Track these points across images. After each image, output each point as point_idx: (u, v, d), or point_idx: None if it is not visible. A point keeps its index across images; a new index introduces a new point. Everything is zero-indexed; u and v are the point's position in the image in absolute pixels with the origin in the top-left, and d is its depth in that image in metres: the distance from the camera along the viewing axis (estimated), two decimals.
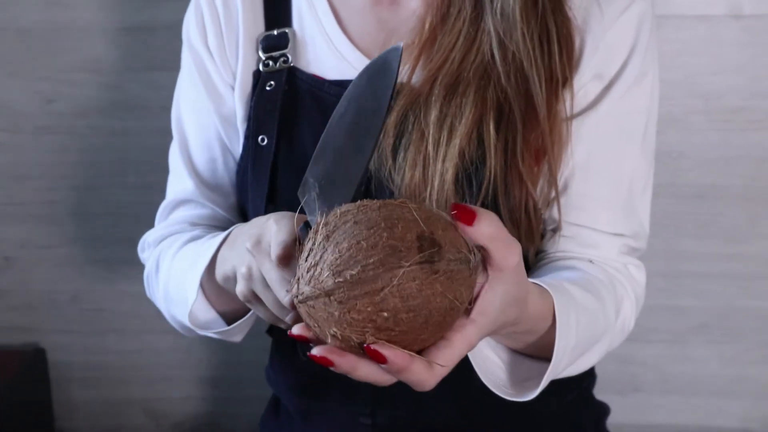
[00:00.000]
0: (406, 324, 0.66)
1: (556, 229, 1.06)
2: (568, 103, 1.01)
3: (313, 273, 0.67)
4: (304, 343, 0.71)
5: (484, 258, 0.72)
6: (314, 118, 1.07)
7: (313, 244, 0.69)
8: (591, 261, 1.05)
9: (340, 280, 0.65)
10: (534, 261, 1.09)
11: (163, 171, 1.21)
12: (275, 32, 1.11)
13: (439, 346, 0.71)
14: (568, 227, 1.05)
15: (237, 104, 1.12)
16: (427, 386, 0.71)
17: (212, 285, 1.01)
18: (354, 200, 0.72)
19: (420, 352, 0.70)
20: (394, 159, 1.00)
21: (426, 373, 0.70)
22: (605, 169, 1.05)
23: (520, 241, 1.01)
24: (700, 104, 1.66)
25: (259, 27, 1.12)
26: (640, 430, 1.86)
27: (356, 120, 0.78)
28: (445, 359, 0.71)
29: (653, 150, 1.09)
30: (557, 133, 1.01)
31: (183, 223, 1.18)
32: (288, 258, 0.77)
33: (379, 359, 0.67)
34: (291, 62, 1.09)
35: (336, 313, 0.66)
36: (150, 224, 1.21)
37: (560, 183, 1.04)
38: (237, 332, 1.08)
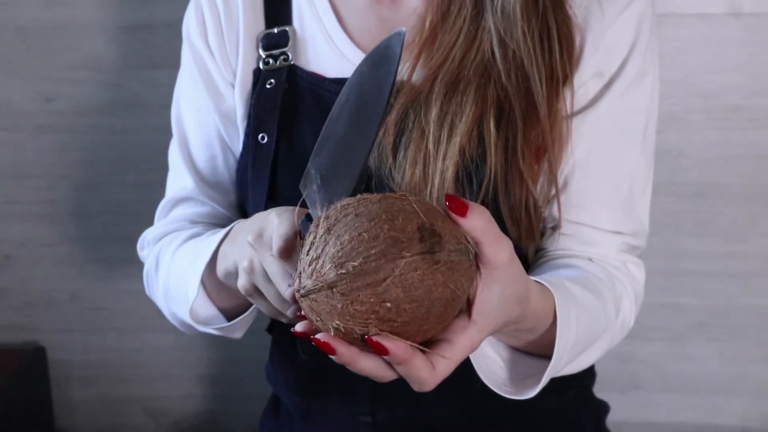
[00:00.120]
0: (409, 314, 0.66)
1: (555, 227, 1.06)
2: (568, 101, 1.01)
3: (315, 266, 0.67)
4: (306, 341, 0.71)
5: (476, 256, 0.72)
6: (314, 116, 1.07)
7: (314, 237, 0.69)
8: (590, 259, 1.05)
9: (343, 271, 0.66)
10: (534, 259, 1.09)
11: (163, 169, 1.21)
12: (275, 30, 1.11)
13: (441, 348, 0.71)
14: (567, 225, 1.06)
15: (237, 102, 1.12)
16: (428, 386, 0.71)
17: (213, 281, 1.01)
18: (355, 193, 0.72)
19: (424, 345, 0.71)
20: (395, 157, 1.00)
21: (427, 371, 0.70)
22: (605, 167, 1.05)
23: (520, 239, 1.01)
24: (700, 103, 1.66)
25: (260, 25, 1.12)
26: (639, 429, 1.86)
27: (358, 107, 0.78)
28: (446, 361, 0.71)
29: (653, 148, 1.09)
30: (557, 131, 1.01)
31: (183, 220, 1.18)
32: (289, 251, 0.77)
33: (380, 350, 0.67)
34: (291, 60, 1.09)
35: (338, 306, 0.66)
36: (150, 223, 1.22)
37: (560, 181, 1.04)
38: (237, 328, 1.08)
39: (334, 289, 0.66)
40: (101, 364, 1.91)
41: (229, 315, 1.06)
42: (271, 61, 1.10)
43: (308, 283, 0.68)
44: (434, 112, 0.99)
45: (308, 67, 1.09)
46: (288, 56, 1.09)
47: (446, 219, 0.70)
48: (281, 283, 0.78)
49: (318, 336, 0.69)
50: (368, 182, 1.01)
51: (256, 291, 0.86)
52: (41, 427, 1.89)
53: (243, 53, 1.12)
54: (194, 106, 1.16)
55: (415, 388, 0.72)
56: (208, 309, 1.05)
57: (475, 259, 0.71)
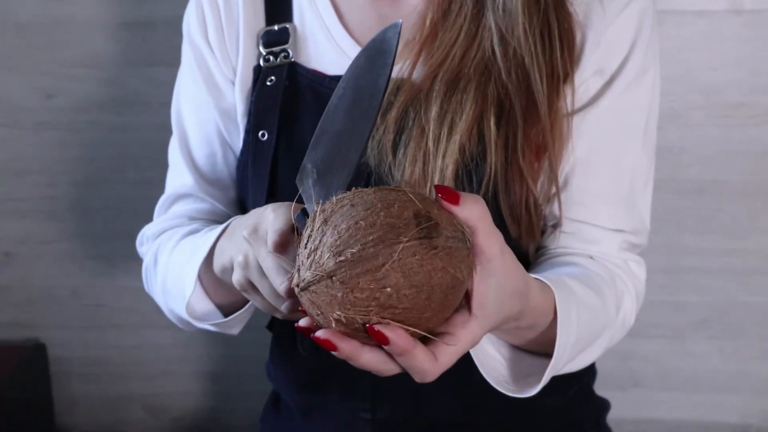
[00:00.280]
0: (410, 300, 0.66)
1: (556, 225, 1.06)
2: (569, 99, 1.01)
3: (314, 257, 0.68)
4: (308, 336, 0.71)
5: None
6: (314, 113, 1.06)
7: (312, 230, 0.69)
8: (592, 257, 1.05)
9: (342, 259, 0.66)
10: (534, 257, 1.09)
11: (163, 166, 1.21)
12: (276, 27, 1.10)
13: (443, 338, 0.71)
14: (568, 223, 1.05)
15: (237, 99, 1.12)
16: (429, 377, 0.71)
17: (210, 276, 1.01)
18: (351, 188, 0.72)
19: (423, 340, 0.71)
20: (395, 155, 1.00)
21: (428, 362, 0.70)
22: (606, 164, 1.05)
23: (520, 237, 1.01)
24: (701, 100, 1.66)
25: (260, 22, 1.12)
26: (640, 426, 1.86)
27: (355, 101, 0.77)
28: (448, 353, 0.71)
29: (654, 146, 1.09)
30: (558, 128, 1.01)
31: (182, 217, 1.18)
32: (284, 245, 0.77)
33: (381, 339, 0.67)
34: (292, 57, 1.09)
35: (339, 295, 0.66)
36: (150, 219, 1.22)
37: (561, 179, 1.04)
38: (234, 324, 1.08)
39: (334, 278, 0.66)
40: (101, 360, 1.91)
41: (227, 311, 1.06)
42: (271, 58, 1.10)
43: (307, 275, 0.68)
44: (434, 110, 0.99)
45: (309, 65, 1.09)
46: (288, 53, 1.09)
47: (441, 208, 0.70)
48: (276, 278, 0.78)
49: (318, 333, 0.69)
50: (368, 179, 1.01)
51: (251, 286, 0.86)
52: (42, 424, 1.89)
53: (243, 50, 1.11)
54: (194, 102, 1.16)
55: (417, 379, 0.72)
56: (204, 305, 1.05)
57: (472, 247, 0.71)
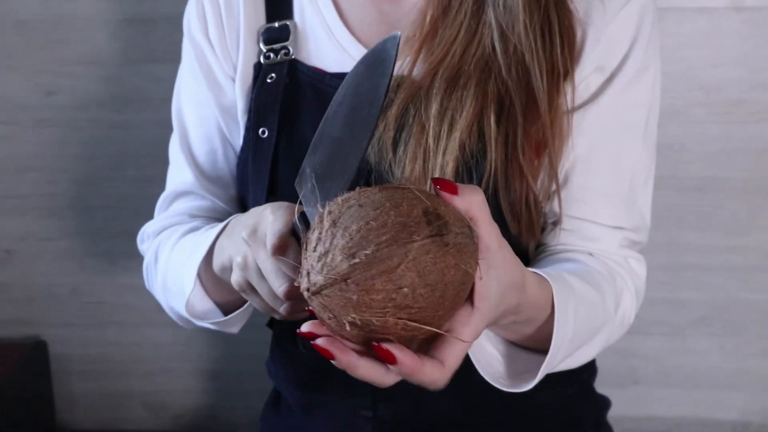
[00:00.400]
0: (425, 300, 0.66)
1: (556, 222, 1.06)
2: (569, 96, 1.01)
3: (325, 261, 0.67)
4: (310, 341, 0.71)
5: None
6: (315, 110, 1.06)
7: (320, 233, 0.68)
8: (591, 254, 1.05)
9: (356, 261, 0.65)
10: (534, 254, 1.09)
11: (164, 164, 1.21)
12: (276, 24, 1.10)
13: (449, 342, 0.71)
14: (568, 220, 1.05)
15: (238, 96, 1.12)
16: (440, 384, 0.71)
17: (210, 275, 1.01)
18: (352, 188, 0.72)
19: (430, 339, 0.70)
20: (395, 152, 1.00)
21: (438, 372, 0.70)
22: (606, 162, 1.05)
23: (520, 234, 1.01)
24: (701, 97, 1.66)
25: (260, 19, 1.12)
26: (640, 423, 1.86)
27: (354, 109, 0.77)
28: (455, 354, 0.71)
29: (655, 143, 1.09)
30: (558, 125, 1.00)
31: (182, 214, 1.18)
32: (283, 248, 0.77)
33: (389, 359, 0.67)
34: (292, 55, 1.09)
35: (354, 297, 0.65)
36: (150, 217, 1.21)
37: (561, 176, 1.04)
38: (234, 323, 1.08)
39: (348, 281, 0.65)
40: (102, 358, 1.91)
41: (226, 309, 1.07)
42: (272, 55, 1.10)
43: (319, 279, 0.67)
44: (434, 108, 0.99)
45: (309, 62, 1.09)
46: (289, 50, 1.09)
47: (446, 204, 0.70)
48: (275, 281, 0.78)
49: (318, 341, 0.69)
50: (368, 177, 1.01)
51: (250, 287, 0.86)
52: (42, 421, 1.89)
53: (244, 47, 1.11)
54: (195, 99, 1.16)
55: (430, 388, 0.72)
56: (204, 303, 1.05)
57: (478, 241, 0.71)
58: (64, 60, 1.71)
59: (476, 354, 0.90)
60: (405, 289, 0.65)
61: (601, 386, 1.29)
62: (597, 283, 0.99)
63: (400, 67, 1.02)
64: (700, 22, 1.63)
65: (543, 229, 1.08)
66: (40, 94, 1.73)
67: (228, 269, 0.91)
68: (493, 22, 1.01)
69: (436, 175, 0.97)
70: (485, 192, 0.98)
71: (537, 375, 0.89)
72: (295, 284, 0.72)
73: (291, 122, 1.08)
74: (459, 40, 1.02)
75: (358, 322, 0.66)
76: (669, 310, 1.78)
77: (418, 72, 1.02)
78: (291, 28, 1.10)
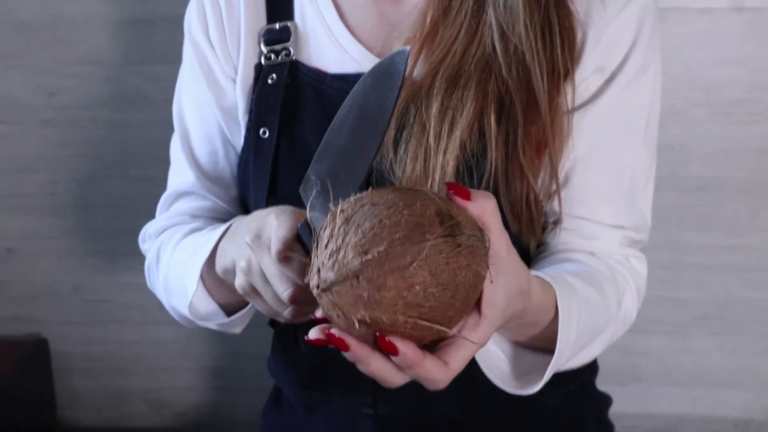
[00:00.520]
0: (436, 299, 0.66)
1: (557, 222, 1.06)
2: (569, 96, 1.01)
3: (337, 257, 0.67)
4: (323, 345, 0.71)
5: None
6: (316, 111, 1.07)
7: (332, 230, 0.68)
8: (593, 253, 1.05)
9: (368, 258, 0.65)
10: (535, 253, 1.09)
11: (165, 164, 1.22)
12: (277, 26, 1.10)
13: (455, 344, 0.71)
14: (569, 220, 1.05)
15: (239, 97, 1.12)
16: (441, 385, 0.72)
17: (212, 277, 1.01)
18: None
19: (436, 343, 0.71)
20: (396, 151, 1.00)
21: (440, 371, 0.70)
22: (607, 161, 1.05)
23: (521, 233, 1.01)
24: (702, 97, 1.66)
25: (261, 20, 1.12)
26: (641, 420, 1.86)
27: (360, 121, 0.78)
28: (460, 357, 0.71)
29: (655, 143, 1.09)
30: (558, 125, 1.01)
31: (184, 214, 1.18)
32: (288, 254, 0.77)
33: (391, 350, 0.67)
34: (293, 56, 1.09)
35: (365, 294, 0.65)
36: (151, 216, 1.22)
37: (561, 176, 1.04)
38: (237, 324, 1.08)
39: (360, 277, 0.65)
40: (103, 356, 1.91)
41: (229, 310, 1.07)
42: (272, 56, 1.10)
43: (330, 275, 0.67)
44: (435, 107, 0.99)
45: (310, 63, 1.09)
46: (290, 51, 1.09)
47: (459, 208, 0.70)
48: (278, 285, 0.79)
49: (333, 331, 0.69)
50: (368, 176, 1.01)
51: (254, 291, 0.86)
52: (44, 419, 1.90)
53: (244, 48, 1.11)
54: (195, 100, 1.16)
55: (430, 387, 0.72)
56: (207, 305, 1.06)
57: (489, 246, 0.71)
58: (65, 60, 1.71)
59: (481, 355, 0.90)
60: (416, 287, 0.65)
61: (602, 384, 1.29)
62: (599, 284, 0.99)
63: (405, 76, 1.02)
64: (701, 23, 1.63)
65: (544, 229, 1.08)
66: (42, 94, 1.73)
67: (231, 272, 0.91)
68: (494, 22, 1.01)
69: (437, 175, 0.97)
70: (486, 190, 0.98)
71: (542, 378, 0.90)
72: (305, 281, 0.72)
73: (292, 123, 1.08)
74: (459, 40, 1.02)
75: (368, 320, 0.66)
76: (670, 309, 1.78)
77: (418, 72, 1.03)
78: (292, 29, 1.10)
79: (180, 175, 1.19)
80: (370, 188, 0.71)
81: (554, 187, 1.03)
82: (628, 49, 1.03)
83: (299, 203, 0.81)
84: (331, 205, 0.71)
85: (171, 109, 1.19)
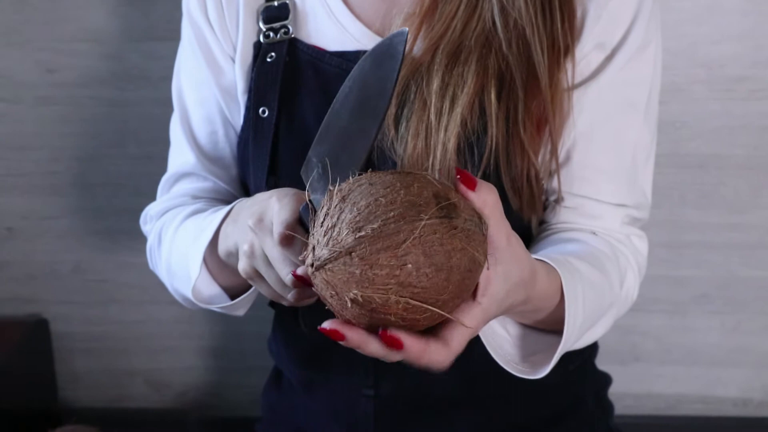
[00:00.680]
0: (429, 280, 0.66)
1: (558, 200, 1.06)
2: (569, 73, 1.01)
3: (331, 234, 0.67)
4: (337, 338, 0.71)
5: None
6: (315, 89, 1.06)
7: (329, 209, 0.68)
8: (594, 233, 1.05)
9: (361, 234, 0.65)
10: (537, 231, 1.09)
11: (164, 142, 1.21)
12: (275, 3, 1.10)
13: (452, 325, 0.71)
14: (570, 198, 1.05)
15: (238, 76, 1.12)
16: (444, 366, 0.72)
17: (215, 260, 1.01)
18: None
19: (432, 329, 0.71)
20: (397, 129, 1.00)
21: (443, 353, 0.71)
22: (608, 139, 1.05)
23: (521, 209, 1.01)
24: (703, 73, 1.65)
25: None
26: (641, 400, 1.86)
27: (361, 102, 0.78)
28: (460, 334, 0.71)
29: (656, 120, 1.09)
30: (558, 101, 1.00)
31: (185, 196, 1.18)
32: (290, 237, 0.77)
33: (395, 345, 0.68)
34: (292, 33, 1.09)
35: (357, 272, 0.65)
36: (151, 195, 1.21)
37: (562, 154, 1.04)
38: (240, 307, 1.08)
39: (353, 254, 0.65)
40: (104, 336, 1.92)
41: (232, 293, 1.07)
42: (271, 34, 1.09)
43: (324, 252, 0.67)
44: (436, 83, 0.99)
45: (309, 41, 1.09)
46: (288, 29, 1.09)
47: (458, 193, 0.70)
48: (281, 268, 0.79)
49: (324, 324, 0.70)
50: (369, 154, 1.01)
51: (257, 274, 0.86)
52: (44, 399, 1.90)
53: (243, 26, 1.11)
54: (194, 80, 1.15)
55: (434, 370, 0.72)
56: (210, 288, 1.06)
57: (487, 233, 0.71)
58: (64, 37, 1.70)
59: (487, 337, 0.91)
60: (409, 266, 0.65)
61: (602, 363, 1.29)
62: (602, 265, 0.99)
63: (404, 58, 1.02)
64: None
65: (545, 207, 1.08)
66: (40, 71, 1.72)
67: (234, 255, 0.91)
68: None
69: (438, 152, 0.97)
70: (487, 167, 0.98)
71: (550, 361, 0.90)
72: (300, 258, 0.72)
73: (291, 101, 1.07)
74: (459, 15, 1.01)
75: (360, 299, 0.66)
76: (670, 288, 1.78)
77: (418, 48, 1.02)
78: (290, 6, 1.09)
79: (180, 156, 1.18)
80: (369, 170, 0.71)
81: (554, 165, 1.03)
82: (629, 25, 1.03)
83: (299, 182, 0.81)
84: (330, 186, 0.71)
85: (170, 87, 1.19)
